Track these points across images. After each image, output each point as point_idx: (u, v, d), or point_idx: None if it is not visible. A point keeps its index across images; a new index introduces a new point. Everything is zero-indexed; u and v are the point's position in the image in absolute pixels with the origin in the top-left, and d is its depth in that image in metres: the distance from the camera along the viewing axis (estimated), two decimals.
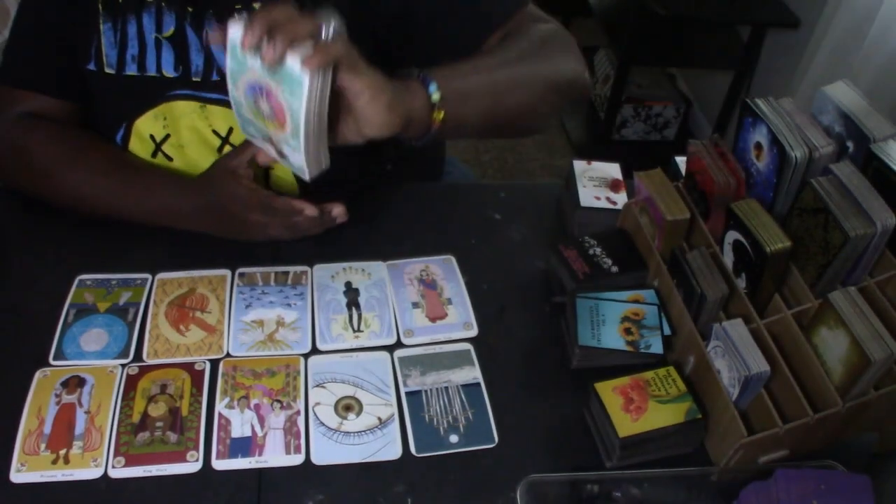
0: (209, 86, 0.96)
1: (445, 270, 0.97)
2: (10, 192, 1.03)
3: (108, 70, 0.95)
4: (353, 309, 0.92)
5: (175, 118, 0.97)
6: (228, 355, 0.86)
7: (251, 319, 0.89)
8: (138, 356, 0.85)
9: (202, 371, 0.83)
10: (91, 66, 0.96)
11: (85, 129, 1.01)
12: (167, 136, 0.98)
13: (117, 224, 0.97)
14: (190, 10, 0.93)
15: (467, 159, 2.62)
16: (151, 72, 0.95)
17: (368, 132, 0.76)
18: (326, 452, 0.78)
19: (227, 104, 0.93)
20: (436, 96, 0.80)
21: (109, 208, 0.95)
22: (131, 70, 0.95)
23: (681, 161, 1.01)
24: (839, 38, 1.92)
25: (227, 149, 0.98)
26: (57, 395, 0.80)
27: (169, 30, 0.94)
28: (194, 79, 0.95)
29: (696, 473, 0.77)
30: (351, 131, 0.78)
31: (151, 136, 0.98)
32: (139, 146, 0.99)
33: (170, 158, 0.99)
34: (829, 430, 0.76)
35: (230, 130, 0.97)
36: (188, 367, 0.84)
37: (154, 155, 0.99)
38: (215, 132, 0.97)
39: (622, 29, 2.37)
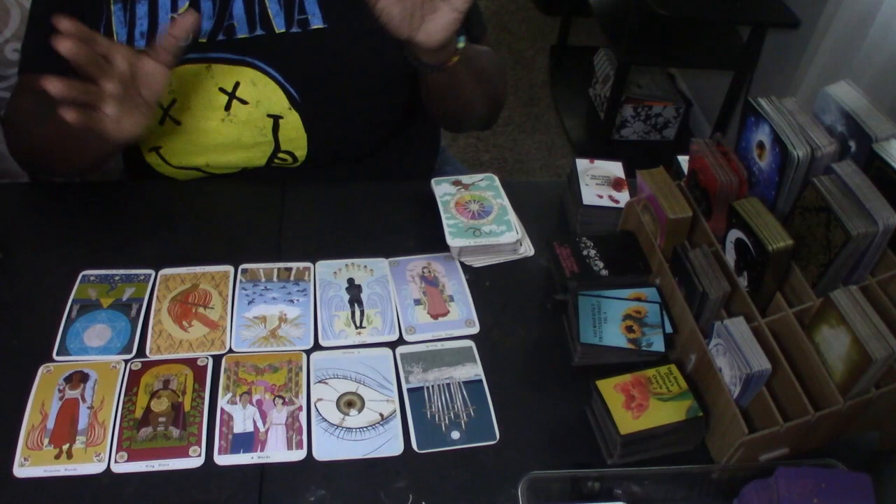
0: (214, 46, 0.98)
1: (447, 267, 0.98)
2: (13, 188, 1.03)
3: None
4: (356, 305, 0.92)
5: (180, 82, 0.98)
6: (231, 351, 0.86)
7: (254, 315, 0.90)
8: (141, 352, 0.85)
9: (205, 367, 0.84)
10: None
11: None
12: (173, 101, 0.99)
13: (121, 220, 0.98)
14: None
15: (467, 159, 2.62)
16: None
17: (431, 38, 0.87)
18: (328, 448, 0.78)
19: (231, 62, 0.98)
20: (461, 45, 0.94)
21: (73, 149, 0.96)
22: (140, 46, 0.97)
23: (683, 160, 1.02)
24: (839, 38, 1.92)
25: (234, 104, 0.99)
26: (60, 391, 0.80)
27: (184, 6, 0.97)
28: (201, 41, 0.97)
29: (696, 471, 0.77)
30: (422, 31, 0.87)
31: (159, 104, 0.98)
32: None
33: (178, 122, 1.00)
34: (829, 428, 0.76)
35: (236, 85, 0.99)
36: (191, 362, 0.84)
37: (162, 121, 1.00)
38: (221, 89, 0.99)
39: (622, 29, 2.37)
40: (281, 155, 1.05)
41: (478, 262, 0.98)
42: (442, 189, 1.04)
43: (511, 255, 0.99)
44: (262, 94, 0.99)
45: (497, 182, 1.06)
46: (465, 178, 1.06)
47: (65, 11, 0.98)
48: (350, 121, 1.05)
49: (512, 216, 1.00)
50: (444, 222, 0.98)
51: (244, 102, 0.99)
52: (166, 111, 0.99)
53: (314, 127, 1.03)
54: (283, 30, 0.98)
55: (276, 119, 1.01)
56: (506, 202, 1.02)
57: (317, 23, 0.98)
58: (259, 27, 0.98)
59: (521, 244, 1.00)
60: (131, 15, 0.96)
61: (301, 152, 1.05)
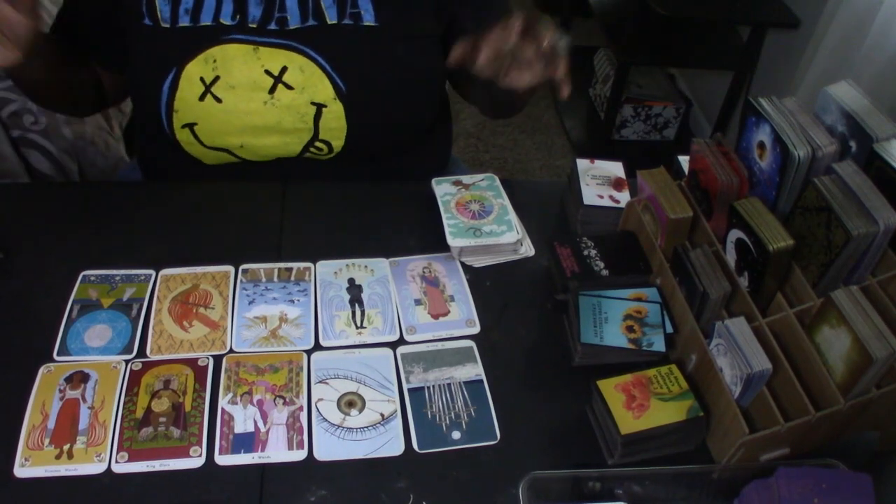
0: (264, 33, 0.99)
1: (448, 267, 0.98)
2: (13, 188, 1.03)
3: (163, 24, 0.98)
4: (356, 305, 0.92)
5: (226, 60, 0.98)
6: (231, 351, 0.86)
7: (254, 315, 0.90)
8: (142, 352, 0.85)
9: (205, 367, 0.83)
10: (147, 22, 0.98)
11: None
12: (216, 78, 0.99)
13: (121, 220, 0.98)
14: None
15: (467, 159, 2.62)
16: (206, 22, 0.98)
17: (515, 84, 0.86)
18: (329, 448, 0.78)
19: (280, 46, 0.99)
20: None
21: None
22: (184, 22, 0.98)
23: (683, 160, 1.02)
24: (839, 38, 1.92)
25: (279, 88, 1.00)
26: (61, 391, 0.80)
27: None
28: (251, 25, 0.98)
29: (697, 471, 0.77)
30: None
31: (201, 79, 0.99)
32: (188, 89, 0.99)
33: (219, 100, 1.00)
34: (830, 428, 0.76)
35: (283, 69, 0.99)
36: (191, 362, 0.84)
37: (202, 97, 0.99)
38: (267, 72, 0.99)
39: (622, 29, 2.38)
40: (318, 144, 1.05)
41: (478, 262, 0.98)
42: (442, 189, 1.04)
43: (511, 255, 1.00)
44: (309, 81, 1.00)
45: (497, 182, 1.06)
46: (466, 178, 1.06)
47: (98, 6, 1.00)
48: (390, 116, 1.06)
49: (512, 216, 1.00)
50: (445, 222, 0.98)
51: (289, 88, 1.00)
52: (208, 88, 0.99)
53: (356, 119, 1.03)
54: (334, 21, 0.99)
55: (319, 107, 1.01)
56: (506, 202, 1.02)
57: (369, 19, 1.00)
58: (311, 18, 0.99)
59: (521, 244, 1.00)
60: None
61: (338, 143, 1.05)
